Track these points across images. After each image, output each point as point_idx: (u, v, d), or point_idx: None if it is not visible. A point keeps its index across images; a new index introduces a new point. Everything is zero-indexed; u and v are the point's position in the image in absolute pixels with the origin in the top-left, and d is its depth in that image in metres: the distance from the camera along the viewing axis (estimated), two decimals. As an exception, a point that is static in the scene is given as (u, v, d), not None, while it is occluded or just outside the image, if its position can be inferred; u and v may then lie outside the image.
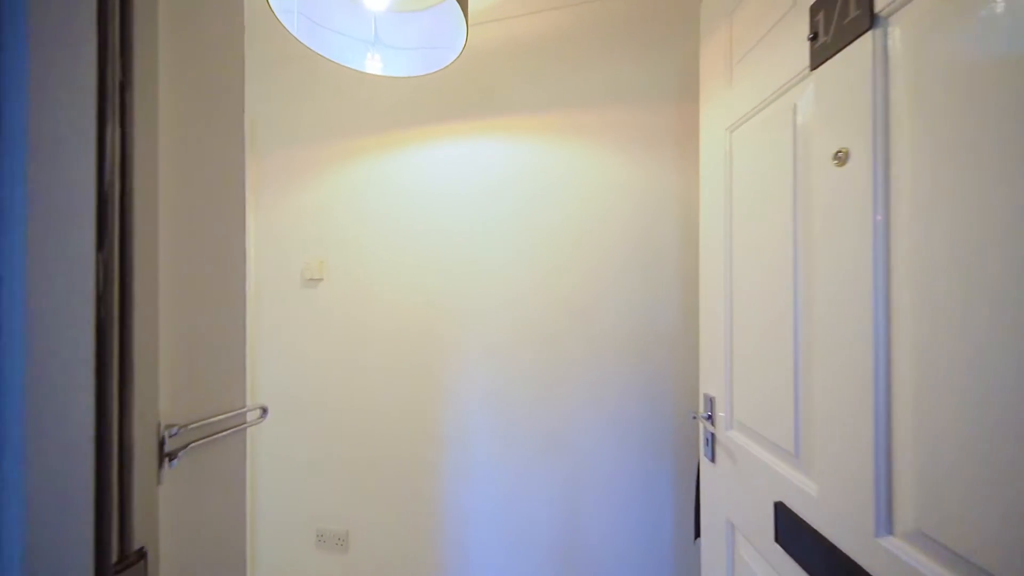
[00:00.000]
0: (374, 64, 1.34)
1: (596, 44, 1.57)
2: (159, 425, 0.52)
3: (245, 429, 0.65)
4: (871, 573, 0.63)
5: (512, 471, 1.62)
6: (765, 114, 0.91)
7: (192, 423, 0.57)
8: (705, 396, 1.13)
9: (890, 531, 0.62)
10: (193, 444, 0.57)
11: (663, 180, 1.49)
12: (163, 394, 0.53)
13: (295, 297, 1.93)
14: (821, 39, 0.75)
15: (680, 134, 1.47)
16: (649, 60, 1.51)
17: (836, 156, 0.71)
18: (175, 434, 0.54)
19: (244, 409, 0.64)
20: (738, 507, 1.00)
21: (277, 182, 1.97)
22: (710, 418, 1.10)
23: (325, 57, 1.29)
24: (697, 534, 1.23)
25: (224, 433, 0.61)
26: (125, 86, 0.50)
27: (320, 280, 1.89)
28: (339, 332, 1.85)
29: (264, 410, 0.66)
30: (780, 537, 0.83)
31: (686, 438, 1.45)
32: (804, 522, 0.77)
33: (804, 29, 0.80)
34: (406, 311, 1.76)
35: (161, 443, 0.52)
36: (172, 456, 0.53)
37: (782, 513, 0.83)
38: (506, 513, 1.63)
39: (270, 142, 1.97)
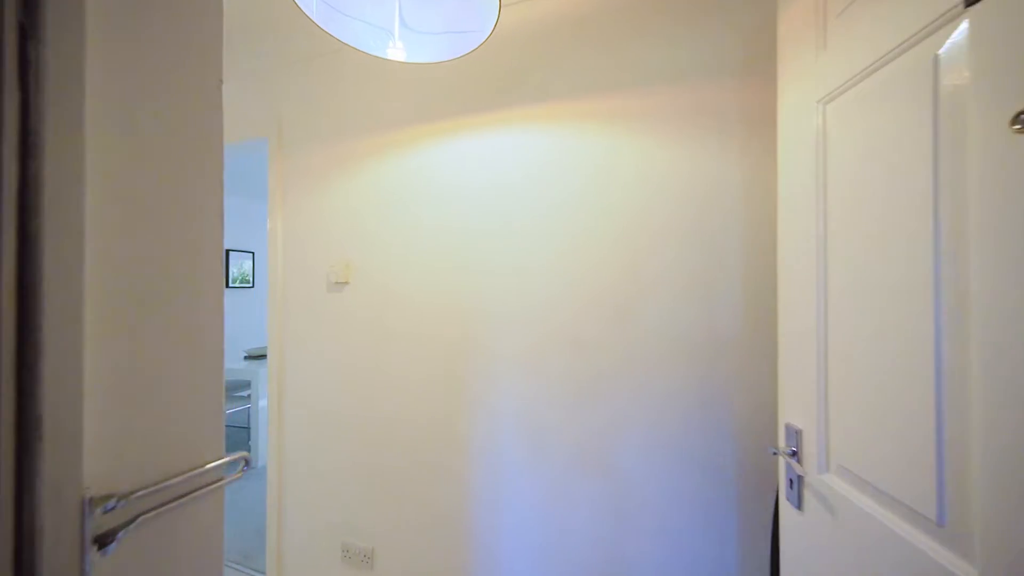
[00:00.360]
0: (397, 51, 1.19)
1: (638, 20, 1.35)
2: (85, 499, 0.38)
3: (223, 488, 0.49)
4: None
5: (545, 485, 1.44)
6: (883, 75, 0.69)
7: (141, 489, 0.41)
8: (788, 427, 0.91)
9: None
10: (144, 517, 0.42)
11: (719, 166, 1.26)
12: (94, 454, 0.39)
13: (321, 302, 1.82)
14: (988, -41, 0.54)
15: (742, 114, 1.24)
16: (701, 34, 1.29)
17: (1018, 119, 0.50)
18: (112, 508, 0.39)
19: (220, 461, 0.49)
20: (838, 572, 0.78)
21: (304, 182, 1.86)
22: (795, 455, 0.88)
23: (347, 44, 1.15)
24: (773, 588, 1.01)
25: (192, 496, 0.46)
26: (28, 32, 0.35)
27: (346, 284, 1.77)
28: (365, 337, 1.72)
29: (246, 461, 0.51)
30: (914, 629, 0.62)
31: (753, 464, 1.22)
32: (958, 619, 0.56)
33: (952, -48, 0.58)
34: (433, 315, 1.61)
35: (86, 523, 0.37)
36: (106, 539, 0.38)
37: (918, 599, 0.61)
38: (538, 530, 1.45)
39: (296, 141, 1.87)
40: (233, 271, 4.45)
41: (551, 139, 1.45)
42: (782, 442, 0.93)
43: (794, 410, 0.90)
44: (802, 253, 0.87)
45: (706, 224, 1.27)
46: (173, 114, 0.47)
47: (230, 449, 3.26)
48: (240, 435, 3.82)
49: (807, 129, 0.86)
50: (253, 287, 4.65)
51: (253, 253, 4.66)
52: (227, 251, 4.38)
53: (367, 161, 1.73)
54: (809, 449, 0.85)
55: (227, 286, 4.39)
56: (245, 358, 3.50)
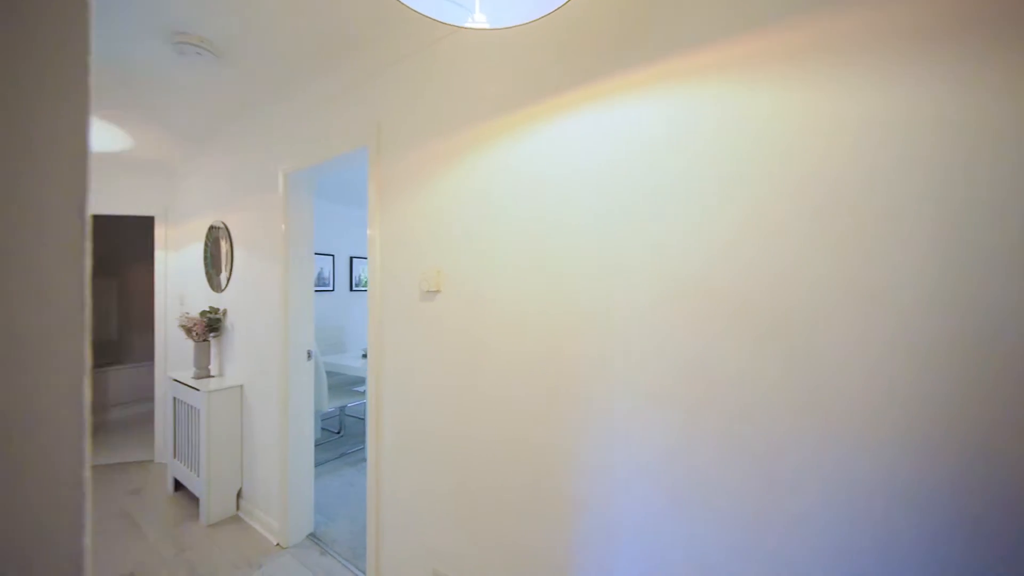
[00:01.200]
0: (478, 18, 0.94)
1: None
2: None
3: None
4: None
5: (674, 544, 1.07)
6: None
7: None
8: None
9: None
10: None
11: (947, 99, 0.78)
12: None
13: (415, 311, 1.66)
14: None
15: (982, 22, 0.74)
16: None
17: None
18: None
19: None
20: None
21: (397, 186, 1.72)
22: None
23: (427, 16, 0.93)
24: None
25: None
26: None
27: (438, 292, 1.58)
28: (459, 349, 1.52)
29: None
30: None
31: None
32: None
33: None
34: (532, 325, 1.33)
35: None
36: None
37: None
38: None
39: (392, 147, 1.74)
40: (357, 276, 4.72)
41: (662, 106, 1.07)
42: None
43: None
44: None
45: (939, 194, 0.80)
46: None
47: (351, 438, 3.28)
48: (359, 425, 4.00)
49: None
50: (372, 290, 4.90)
51: (372, 259, 4.91)
52: (350, 258, 4.66)
53: (455, 160, 1.52)
54: None
55: (350, 290, 4.66)
56: (363, 356, 3.63)
